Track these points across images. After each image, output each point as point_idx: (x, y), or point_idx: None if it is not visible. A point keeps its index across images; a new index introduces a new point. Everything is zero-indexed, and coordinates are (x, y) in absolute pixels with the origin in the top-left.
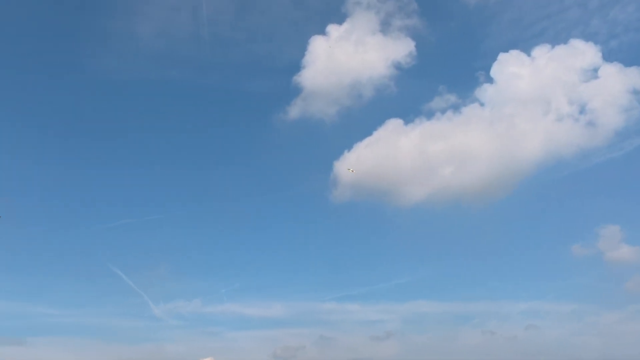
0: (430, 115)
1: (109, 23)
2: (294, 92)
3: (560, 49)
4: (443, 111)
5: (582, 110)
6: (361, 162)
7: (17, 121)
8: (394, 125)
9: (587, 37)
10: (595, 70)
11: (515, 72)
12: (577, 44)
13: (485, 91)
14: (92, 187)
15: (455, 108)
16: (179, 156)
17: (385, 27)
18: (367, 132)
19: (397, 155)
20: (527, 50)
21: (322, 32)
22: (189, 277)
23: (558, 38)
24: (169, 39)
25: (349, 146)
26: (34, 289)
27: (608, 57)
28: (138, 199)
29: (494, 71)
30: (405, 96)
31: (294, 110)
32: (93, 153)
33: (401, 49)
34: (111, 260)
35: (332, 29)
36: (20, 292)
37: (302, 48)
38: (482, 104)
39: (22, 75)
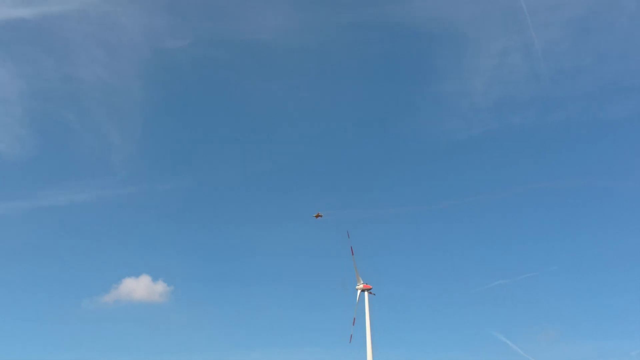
0: None
1: (441, 86)
2: None
3: None
4: None
5: None
6: None
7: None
8: None
9: None
10: None
11: None
12: None
13: None
14: (461, 249)
15: None
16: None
17: None
18: None
19: None
20: None
21: None
22: (583, 339)
23: None
24: (503, 86)
25: None
26: None
27: None
28: (508, 257)
29: None
30: None
31: None
32: (447, 217)
33: None
34: (492, 326)
35: None
36: None
37: None
38: None
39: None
